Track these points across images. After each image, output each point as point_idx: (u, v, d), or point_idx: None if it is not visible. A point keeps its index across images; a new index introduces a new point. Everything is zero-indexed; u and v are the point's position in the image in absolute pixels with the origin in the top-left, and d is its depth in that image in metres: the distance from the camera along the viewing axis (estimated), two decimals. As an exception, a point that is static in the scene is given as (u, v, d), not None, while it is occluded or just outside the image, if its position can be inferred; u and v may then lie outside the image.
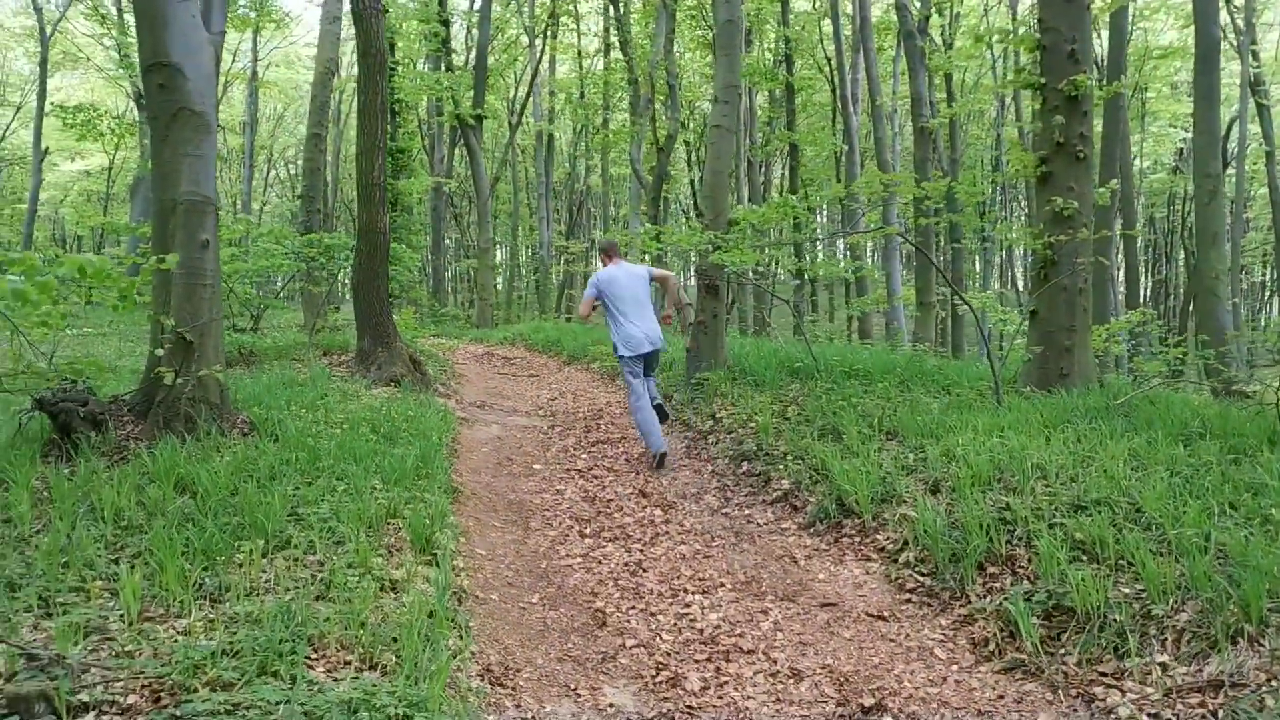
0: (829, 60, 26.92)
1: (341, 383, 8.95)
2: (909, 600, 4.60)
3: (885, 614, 4.47)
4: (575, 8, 28.26)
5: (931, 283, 16.53)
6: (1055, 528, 4.37)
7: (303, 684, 2.87)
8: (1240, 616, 3.39)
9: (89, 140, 24.16)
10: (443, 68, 23.56)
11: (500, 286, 35.89)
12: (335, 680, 3.00)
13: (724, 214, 9.36)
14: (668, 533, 5.86)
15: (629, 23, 21.31)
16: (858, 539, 5.39)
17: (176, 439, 5.49)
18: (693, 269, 28.92)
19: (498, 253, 38.48)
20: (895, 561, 4.97)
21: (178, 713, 2.65)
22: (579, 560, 5.39)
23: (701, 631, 4.31)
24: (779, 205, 9.08)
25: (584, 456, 7.89)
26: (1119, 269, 20.81)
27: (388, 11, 11.53)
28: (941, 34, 24.96)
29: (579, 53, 30.99)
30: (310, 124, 16.96)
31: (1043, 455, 5.28)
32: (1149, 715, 3.16)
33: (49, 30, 25.18)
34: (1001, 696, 3.58)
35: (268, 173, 45.99)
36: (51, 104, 24.77)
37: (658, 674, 3.89)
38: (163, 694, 2.80)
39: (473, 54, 25.40)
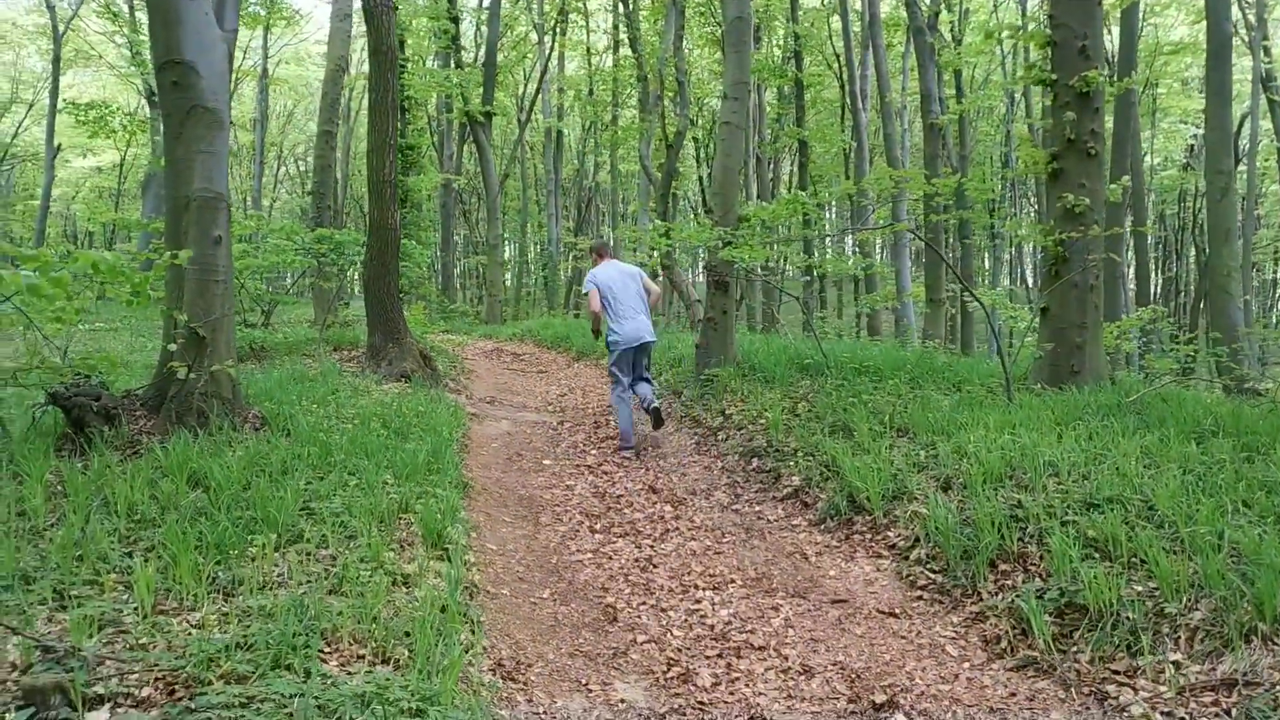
0: (838, 56, 26.89)
1: (352, 378, 8.98)
2: (920, 597, 4.59)
3: (897, 611, 4.46)
4: (584, 4, 28.30)
5: (941, 279, 16.48)
6: (1067, 525, 4.36)
7: (316, 678, 2.88)
8: (1254, 615, 3.38)
9: (101, 137, 24.27)
10: (452, 65, 23.61)
11: (509, 283, 35.94)
12: (348, 674, 3.01)
13: (734, 210, 9.35)
14: (678, 529, 5.86)
15: (638, 20, 21.30)
16: (869, 536, 5.38)
17: (189, 433, 5.52)
18: (701, 265, 28.89)
19: (506, 249, 38.51)
20: (906, 558, 4.96)
21: (192, 705, 2.66)
22: (589, 556, 5.40)
23: (712, 628, 4.31)
24: (789, 202, 9.07)
25: (593, 452, 7.90)
26: (1129, 266, 20.71)
27: (397, 9, 11.54)
28: (951, 30, 24.88)
29: (588, 50, 31.01)
30: (321, 121, 17.00)
31: (1054, 452, 5.26)
32: (1162, 714, 3.16)
33: (61, 28, 25.28)
34: (1013, 694, 3.57)
35: (278, 169, 46.15)
36: (64, 101, 24.90)
37: (669, 670, 3.89)
38: (177, 686, 2.81)
39: (482, 51, 25.40)
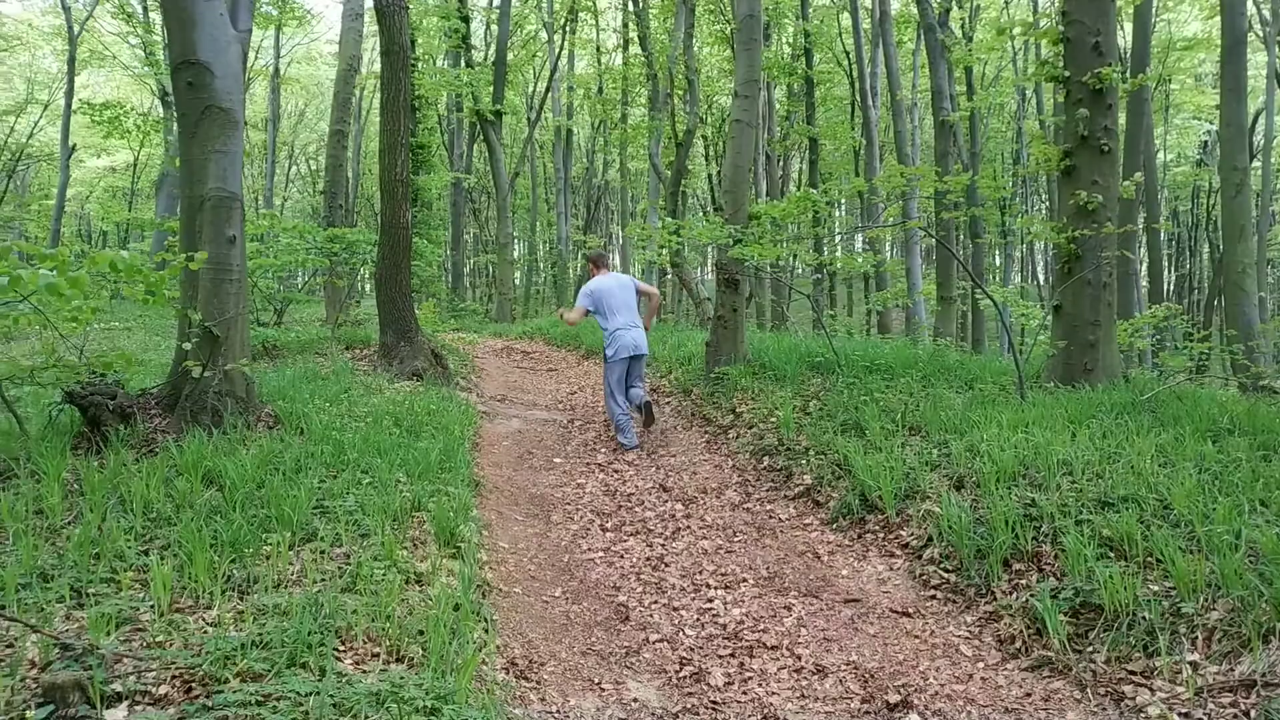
0: (848, 54, 26.80)
1: (364, 376, 9.01)
2: (934, 597, 4.58)
3: (910, 610, 4.45)
4: (594, 3, 28.25)
5: (952, 277, 16.41)
6: (1082, 524, 4.34)
7: (331, 676, 2.89)
8: (1272, 615, 3.36)
9: (115, 137, 24.41)
10: (462, 64, 23.61)
11: (518, 281, 35.98)
12: (363, 672, 3.02)
13: (744, 208, 9.34)
14: (689, 527, 5.86)
15: (648, 18, 21.28)
16: (881, 535, 5.37)
17: (203, 432, 5.55)
18: (711, 263, 28.85)
19: (516, 247, 38.55)
20: (919, 558, 4.95)
21: (209, 703, 2.67)
22: (601, 554, 5.41)
23: (724, 627, 4.31)
24: (799, 199, 9.04)
25: (604, 451, 7.90)
26: (1142, 263, 20.61)
27: (408, 8, 11.56)
28: (962, 27, 24.79)
29: (598, 48, 30.99)
30: (332, 120, 17.06)
31: (1068, 451, 5.24)
32: (1179, 714, 3.14)
33: (77, 29, 25.41)
34: (1029, 694, 3.56)
35: (289, 168, 46.28)
36: (79, 101, 25.03)
37: (681, 669, 3.89)
38: (194, 684, 2.82)
39: (492, 50, 25.43)
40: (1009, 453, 5.32)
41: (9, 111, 32.32)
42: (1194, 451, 5.07)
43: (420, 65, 22.17)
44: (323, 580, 3.70)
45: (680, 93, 19.87)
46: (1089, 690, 3.48)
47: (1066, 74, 7.52)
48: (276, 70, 33.27)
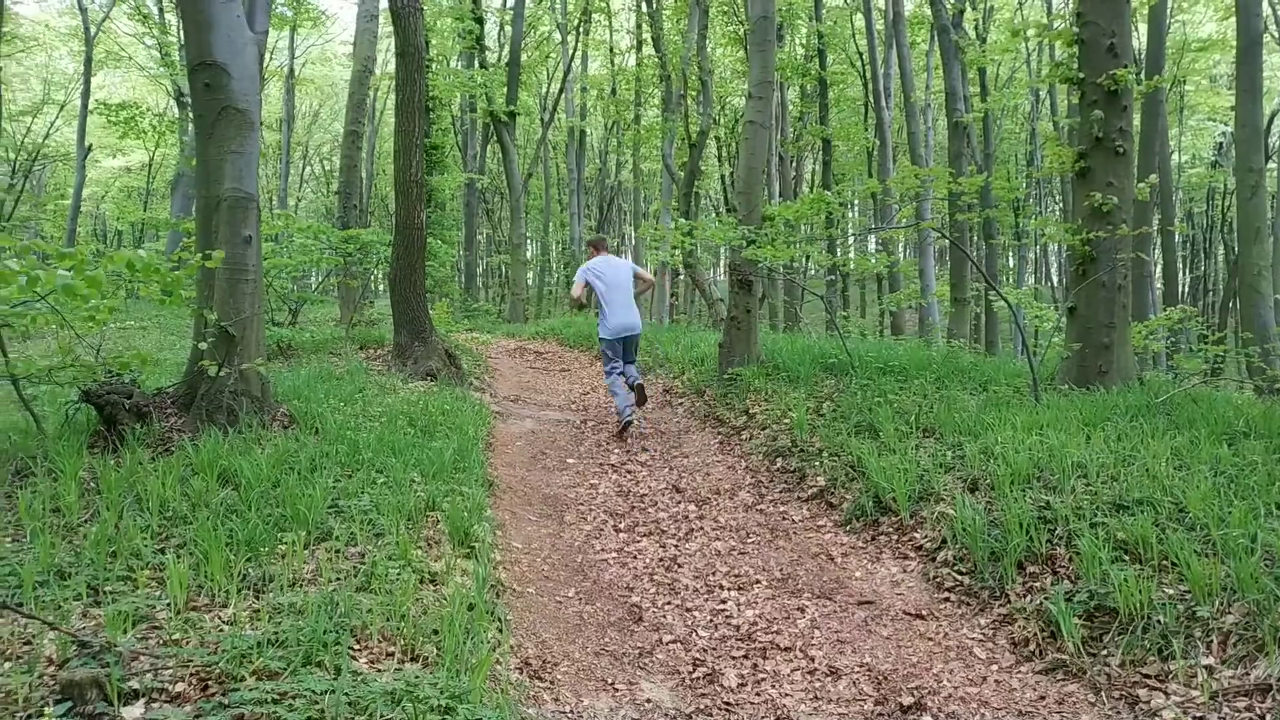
0: (861, 55, 26.75)
1: (379, 376, 9.05)
2: (947, 599, 4.57)
3: (923, 612, 4.44)
4: (608, 4, 28.26)
5: (966, 278, 16.36)
6: (1097, 527, 4.32)
7: (347, 674, 2.90)
8: (1288, 619, 3.34)
9: (131, 137, 24.57)
10: (476, 64, 23.67)
11: (532, 281, 36.02)
12: (378, 671, 3.04)
13: (757, 209, 9.33)
14: (702, 528, 5.86)
15: (661, 19, 21.27)
16: (895, 537, 5.36)
17: (219, 431, 5.58)
18: (723, 264, 28.80)
19: (529, 248, 38.60)
20: (933, 560, 4.93)
21: (225, 701, 2.69)
22: (614, 555, 5.41)
23: (738, 628, 4.32)
24: (813, 201, 9.03)
25: (617, 451, 7.91)
26: (1157, 265, 20.49)
27: (423, 10, 11.61)
28: (975, 28, 24.69)
29: (611, 49, 30.99)
30: (347, 121, 17.11)
31: (1083, 453, 5.22)
32: (1194, 718, 3.13)
33: (93, 30, 25.57)
34: (1043, 697, 3.55)
35: (303, 169, 46.48)
36: (95, 101, 25.19)
37: (695, 670, 3.90)
38: (210, 682, 2.84)
39: (506, 51, 25.48)
40: (1023, 455, 5.30)
41: (26, 111, 32.56)
42: (1209, 454, 5.04)
43: (434, 66, 22.24)
44: (338, 579, 3.72)
45: (694, 93, 19.86)
46: (1103, 694, 3.47)
47: (1081, 75, 7.49)
48: (291, 71, 33.39)
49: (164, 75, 24.32)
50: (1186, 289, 36.38)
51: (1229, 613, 3.53)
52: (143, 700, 2.71)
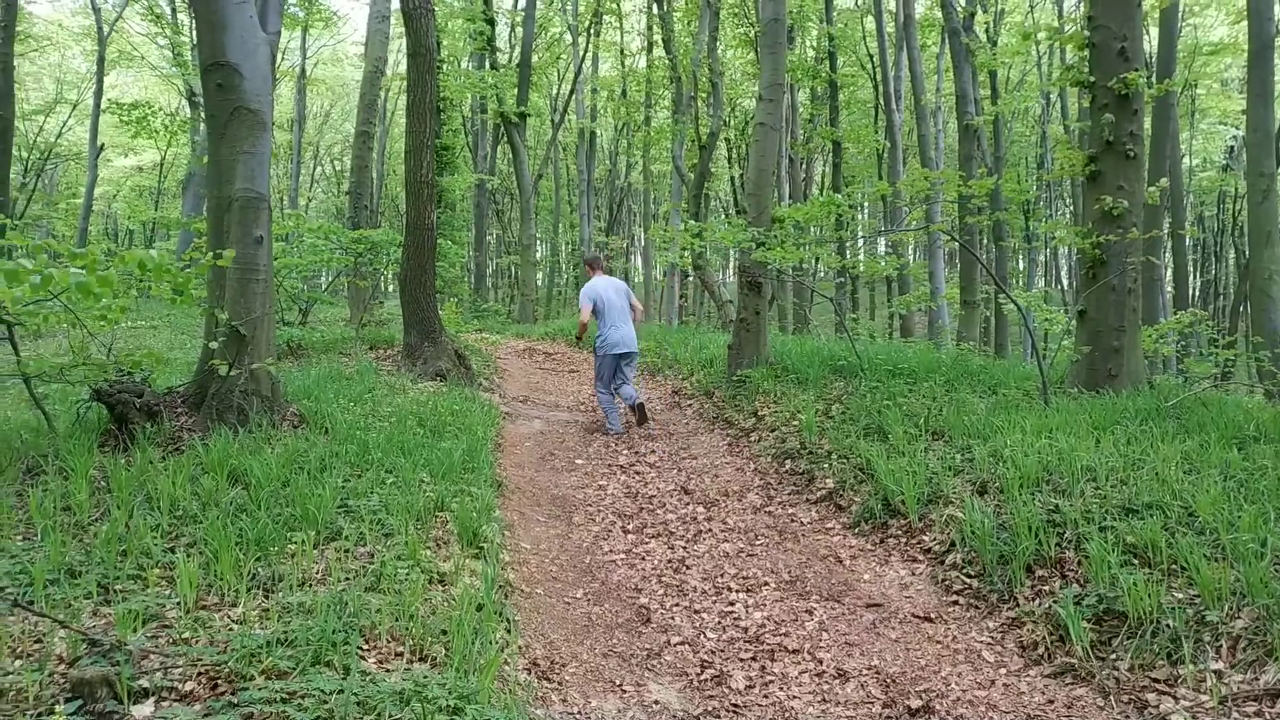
0: (872, 57, 26.73)
1: (388, 376, 9.07)
2: (956, 602, 4.56)
3: (932, 615, 4.44)
4: (619, 6, 28.27)
5: (976, 281, 16.30)
6: (1106, 531, 4.31)
7: (356, 674, 2.91)
8: (1299, 624, 3.33)
9: (143, 137, 24.65)
10: (487, 66, 23.71)
11: (541, 282, 36.05)
12: (387, 671, 3.05)
13: (767, 211, 9.33)
14: (710, 530, 5.86)
15: (672, 21, 21.29)
16: (904, 539, 5.35)
17: (229, 430, 5.60)
18: (732, 265, 28.82)
19: (539, 249, 38.65)
20: (942, 563, 4.93)
21: (235, 700, 2.70)
22: (622, 556, 5.42)
23: (746, 630, 4.31)
24: (823, 203, 9.01)
25: (625, 453, 7.91)
26: (1167, 269, 20.40)
27: (435, 11, 11.64)
28: (986, 31, 24.63)
29: (622, 51, 31.02)
30: (358, 122, 17.18)
31: (1092, 457, 5.20)
32: (1203, 723, 3.12)
33: (106, 30, 25.70)
34: (1051, 701, 3.54)
35: (314, 169, 46.63)
36: (108, 101, 25.30)
37: (702, 672, 3.90)
38: (220, 681, 2.86)
39: (517, 52, 25.52)
40: (1032, 458, 5.29)
41: (39, 111, 32.75)
42: (1219, 459, 5.02)
43: (446, 67, 22.31)
44: (347, 579, 3.73)
45: (704, 95, 19.85)
46: (1112, 698, 3.46)
47: (1092, 79, 7.46)
48: (302, 71, 33.52)
49: (176, 75, 24.46)
50: (1197, 293, 36.22)
51: (1239, 617, 3.51)
52: (152, 699, 2.72)
